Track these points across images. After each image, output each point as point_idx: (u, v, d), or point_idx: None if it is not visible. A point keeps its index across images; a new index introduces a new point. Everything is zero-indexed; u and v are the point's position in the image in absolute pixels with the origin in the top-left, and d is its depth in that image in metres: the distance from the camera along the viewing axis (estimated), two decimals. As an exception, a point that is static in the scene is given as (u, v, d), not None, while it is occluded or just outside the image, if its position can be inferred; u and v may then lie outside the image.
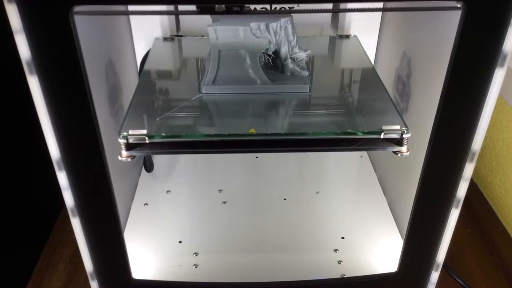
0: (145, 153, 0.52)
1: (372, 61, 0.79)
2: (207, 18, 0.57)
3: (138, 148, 0.50)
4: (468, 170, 0.50)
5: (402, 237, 0.69)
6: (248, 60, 0.58)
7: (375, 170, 0.83)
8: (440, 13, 0.52)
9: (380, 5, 0.53)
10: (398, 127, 0.50)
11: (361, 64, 0.70)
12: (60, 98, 0.43)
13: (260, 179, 0.82)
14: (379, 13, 0.76)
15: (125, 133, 0.49)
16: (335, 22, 0.79)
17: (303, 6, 0.44)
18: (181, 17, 0.77)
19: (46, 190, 0.79)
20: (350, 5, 0.53)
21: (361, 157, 0.87)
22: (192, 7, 0.49)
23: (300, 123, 0.58)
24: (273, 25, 0.57)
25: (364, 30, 0.77)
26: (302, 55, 0.61)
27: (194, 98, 0.59)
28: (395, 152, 0.51)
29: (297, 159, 0.87)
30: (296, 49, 0.61)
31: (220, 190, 0.79)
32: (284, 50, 0.60)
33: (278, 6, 0.66)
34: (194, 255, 0.66)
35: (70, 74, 0.42)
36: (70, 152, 0.47)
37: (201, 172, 0.84)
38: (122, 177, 0.70)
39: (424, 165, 0.50)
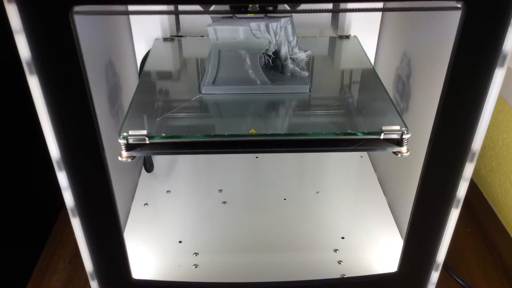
0: (145, 154, 0.52)
1: (372, 62, 0.79)
2: (207, 19, 0.57)
3: (138, 149, 0.50)
4: (468, 170, 0.50)
5: (402, 237, 0.69)
6: (248, 60, 0.58)
7: (375, 170, 0.83)
8: (440, 13, 0.52)
9: (380, 5, 0.53)
10: (398, 127, 0.50)
11: (361, 64, 0.70)
12: (60, 98, 0.43)
13: (260, 179, 0.82)
14: (379, 13, 0.76)
15: (125, 134, 0.49)
16: (335, 22, 0.79)
17: (303, 6, 0.44)
18: (181, 17, 0.77)
19: (46, 190, 0.79)
20: (350, 5, 0.53)
21: (361, 157, 0.87)
22: (192, 7, 0.49)
23: (300, 124, 0.58)
24: (273, 25, 0.57)
25: (364, 30, 0.77)
26: (302, 55, 0.61)
27: (194, 98, 0.59)
28: (395, 153, 0.51)
29: (297, 159, 0.87)
30: (296, 50, 0.61)
31: (220, 190, 0.79)
32: (284, 51, 0.60)
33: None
34: (194, 255, 0.66)
35: (70, 74, 0.42)
36: (70, 152, 0.47)
37: (201, 172, 0.84)
38: (122, 177, 0.70)
39: (424, 165, 0.50)
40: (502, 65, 0.43)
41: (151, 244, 0.68)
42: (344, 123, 0.57)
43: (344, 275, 0.63)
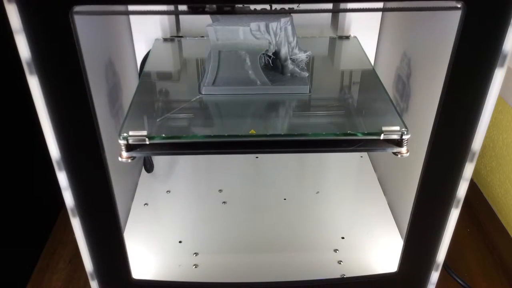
0: (145, 154, 0.52)
1: (372, 62, 0.79)
2: (207, 19, 0.57)
3: (138, 149, 0.50)
4: (468, 170, 0.50)
5: (402, 237, 0.69)
6: (248, 61, 0.58)
7: (375, 170, 0.83)
8: (440, 13, 0.52)
9: (380, 5, 0.53)
10: (397, 128, 0.50)
11: (361, 65, 0.70)
12: (60, 98, 0.43)
13: (260, 179, 0.82)
14: (379, 14, 0.76)
15: (125, 134, 0.49)
16: (335, 22, 0.79)
17: (303, 6, 0.44)
18: (181, 18, 0.77)
19: (46, 190, 0.79)
20: (350, 5, 0.53)
21: (361, 157, 0.87)
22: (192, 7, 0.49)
23: (300, 124, 0.58)
24: (273, 26, 0.57)
25: (364, 30, 0.77)
26: (302, 56, 0.61)
27: (194, 99, 0.59)
28: (395, 153, 0.51)
29: (297, 159, 0.87)
30: (296, 50, 0.61)
31: (220, 190, 0.79)
32: (284, 51, 0.60)
33: (278, 7, 0.66)
34: (194, 255, 0.66)
35: (70, 74, 0.42)
36: (70, 152, 0.47)
37: (201, 172, 0.84)
38: (122, 177, 0.70)
39: (424, 165, 0.50)
40: (502, 65, 0.43)
41: (151, 244, 0.68)
42: (344, 124, 0.57)
43: (344, 275, 0.63)
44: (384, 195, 0.77)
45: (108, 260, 0.57)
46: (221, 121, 0.58)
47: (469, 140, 0.48)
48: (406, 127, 0.50)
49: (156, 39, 0.76)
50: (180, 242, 0.68)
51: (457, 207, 0.53)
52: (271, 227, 0.71)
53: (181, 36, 0.78)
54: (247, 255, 0.67)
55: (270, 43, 0.58)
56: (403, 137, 0.50)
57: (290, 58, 0.61)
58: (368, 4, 0.49)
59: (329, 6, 0.56)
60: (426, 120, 0.51)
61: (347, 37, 0.78)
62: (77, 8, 0.39)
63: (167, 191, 0.79)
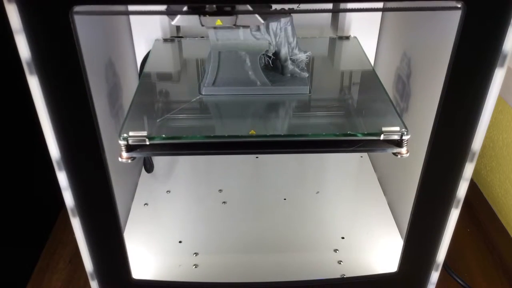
0: (146, 155, 0.52)
1: (372, 62, 0.79)
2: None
3: (138, 150, 0.50)
4: (468, 170, 0.50)
5: (402, 237, 0.69)
6: (248, 61, 0.58)
7: (375, 170, 0.83)
8: (440, 13, 0.52)
9: (380, 5, 0.53)
10: (397, 128, 0.50)
11: (361, 65, 0.70)
12: (60, 98, 0.43)
13: (260, 179, 0.82)
14: (379, 14, 0.76)
15: (125, 135, 0.49)
16: (335, 23, 0.79)
17: (303, 7, 0.44)
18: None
19: (46, 190, 0.79)
20: (350, 5, 0.53)
21: (361, 157, 0.87)
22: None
23: (300, 125, 0.58)
24: (273, 26, 0.57)
25: (364, 31, 0.77)
26: (302, 56, 0.61)
27: (194, 99, 0.59)
28: (395, 154, 0.51)
29: (297, 159, 0.87)
30: (296, 51, 0.61)
31: (220, 190, 0.79)
32: (284, 52, 0.60)
33: (278, 7, 0.66)
34: (194, 255, 0.66)
35: (70, 74, 0.42)
36: (70, 152, 0.47)
37: (201, 172, 0.84)
38: (122, 177, 0.70)
39: (424, 165, 0.50)
40: (502, 65, 0.43)
41: (151, 244, 0.68)
42: (344, 124, 0.57)
43: (344, 275, 0.63)
44: (384, 195, 0.77)
45: (108, 260, 0.57)
46: (221, 122, 0.59)
47: (469, 140, 0.48)
48: (406, 128, 0.50)
49: (156, 40, 0.76)
50: (180, 242, 0.68)
51: (457, 207, 0.53)
52: (271, 227, 0.71)
53: (181, 37, 0.78)
54: (247, 255, 0.67)
55: (270, 43, 0.58)
56: (403, 137, 0.50)
57: (290, 59, 0.61)
58: (368, 4, 0.49)
59: (329, 6, 0.56)
60: (426, 120, 0.51)
61: (347, 38, 0.78)
62: (77, 8, 0.39)
63: (167, 191, 0.79)
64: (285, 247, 0.68)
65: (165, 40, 0.77)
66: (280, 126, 0.57)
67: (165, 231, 0.70)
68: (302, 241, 0.69)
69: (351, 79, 0.69)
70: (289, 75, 0.62)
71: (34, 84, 0.42)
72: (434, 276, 0.60)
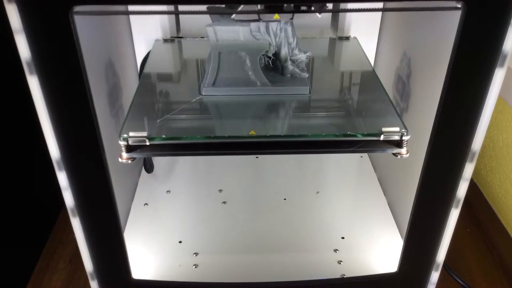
0: (146, 155, 0.52)
1: (372, 62, 0.79)
2: (207, 20, 0.57)
3: (138, 150, 0.50)
4: (468, 170, 0.50)
5: (402, 237, 0.69)
6: (248, 62, 0.58)
7: (375, 170, 0.83)
8: (440, 13, 0.52)
9: (380, 5, 0.53)
10: (397, 129, 0.50)
11: (360, 65, 0.70)
12: (60, 98, 0.43)
13: (260, 179, 0.82)
14: (379, 14, 0.76)
15: (125, 135, 0.49)
16: (335, 23, 0.79)
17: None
18: (181, 18, 0.77)
19: (46, 190, 0.79)
20: (350, 5, 0.53)
21: (361, 157, 0.87)
22: (192, 7, 0.49)
23: (300, 125, 0.58)
24: (273, 27, 0.57)
25: (364, 31, 0.77)
26: (302, 57, 0.61)
27: (194, 100, 0.59)
28: (394, 154, 0.51)
29: (297, 159, 0.87)
30: (296, 51, 0.61)
31: (220, 190, 0.79)
32: (284, 52, 0.60)
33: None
34: (194, 255, 0.66)
35: (70, 74, 0.42)
36: (70, 152, 0.47)
37: (201, 172, 0.84)
38: (122, 177, 0.70)
39: (424, 165, 0.50)
40: (502, 65, 0.43)
41: (151, 244, 0.68)
42: (344, 125, 0.57)
43: (344, 275, 0.63)
44: (384, 195, 0.77)
45: (108, 260, 0.57)
46: (221, 122, 0.59)
47: (469, 140, 0.48)
48: (406, 128, 0.50)
49: (156, 40, 0.76)
50: (180, 242, 0.68)
51: (457, 207, 0.53)
52: (271, 227, 0.71)
53: (181, 37, 0.78)
54: (247, 255, 0.67)
55: (270, 44, 0.58)
56: (403, 138, 0.50)
57: (290, 59, 0.61)
58: (368, 4, 0.49)
59: (329, 6, 0.56)
60: (426, 120, 0.51)
61: (347, 38, 0.78)
62: (77, 8, 0.39)
63: (167, 191, 0.79)
64: (285, 247, 0.68)
65: (165, 40, 0.77)
66: (280, 126, 0.57)
67: (165, 231, 0.70)
68: (302, 241, 0.69)
69: (351, 79, 0.69)
70: (289, 75, 0.62)
71: (34, 84, 0.42)
72: (434, 276, 0.60)
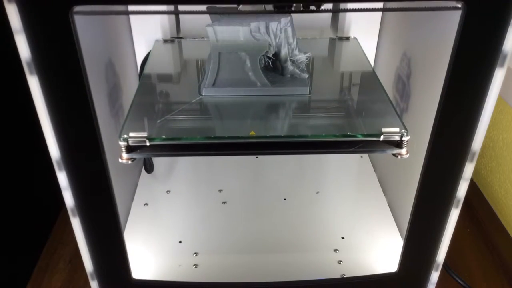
0: (146, 156, 0.52)
1: (372, 62, 0.79)
2: (207, 20, 0.57)
3: (138, 151, 0.50)
4: (468, 170, 0.50)
5: (402, 237, 0.69)
6: (248, 62, 0.58)
7: (375, 170, 0.83)
8: (440, 13, 0.52)
9: (380, 5, 0.53)
10: (397, 129, 0.50)
11: (360, 66, 0.70)
12: (60, 98, 0.43)
13: (260, 179, 0.82)
14: (379, 14, 0.76)
15: (125, 136, 0.49)
16: (335, 24, 0.79)
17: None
18: (181, 19, 0.77)
19: (46, 190, 0.79)
20: (350, 5, 0.53)
21: (361, 157, 0.87)
22: (192, 7, 0.49)
23: (300, 125, 0.58)
24: (273, 27, 0.57)
25: (364, 31, 0.77)
26: (302, 57, 0.61)
27: (194, 100, 0.59)
28: (394, 155, 0.51)
29: (297, 159, 0.87)
30: (296, 52, 0.61)
31: (220, 190, 0.79)
32: (284, 53, 0.60)
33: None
34: (194, 255, 0.66)
35: (70, 74, 0.42)
36: (70, 152, 0.47)
37: (201, 172, 0.84)
38: (122, 177, 0.70)
39: (424, 165, 0.50)
40: (502, 65, 0.43)
41: (151, 244, 0.68)
42: (344, 125, 0.57)
43: (344, 275, 0.63)
44: (384, 195, 0.77)
45: (108, 260, 0.57)
46: (221, 123, 0.59)
47: (469, 140, 0.48)
48: (406, 129, 0.50)
49: (156, 40, 0.76)
50: (180, 242, 0.68)
51: (457, 207, 0.53)
52: (271, 227, 0.71)
53: (181, 37, 0.78)
54: (247, 255, 0.67)
55: (270, 44, 0.58)
56: (403, 138, 0.50)
57: (290, 59, 0.61)
58: (368, 4, 0.49)
59: (329, 6, 0.56)
60: (426, 120, 0.51)
61: (347, 38, 0.78)
62: (77, 8, 0.39)
63: (167, 191, 0.79)
64: (285, 247, 0.68)
65: (165, 41, 0.77)
66: (280, 127, 0.57)
67: (165, 231, 0.70)
68: (302, 241, 0.69)
69: (351, 80, 0.69)
70: (289, 76, 0.62)
71: (34, 84, 0.42)
72: (434, 276, 0.60)
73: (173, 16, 0.76)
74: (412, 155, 0.51)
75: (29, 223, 0.77)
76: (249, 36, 0.56)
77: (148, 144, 0.49)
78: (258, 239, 0.69)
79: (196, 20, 0.76)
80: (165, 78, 0.69)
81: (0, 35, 0.54)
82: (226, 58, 0.58)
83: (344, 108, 0.61)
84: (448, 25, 0.47)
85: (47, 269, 0.75)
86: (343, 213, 0.74)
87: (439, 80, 0.46)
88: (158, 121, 0.54)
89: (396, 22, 0.71)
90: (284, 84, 0.61)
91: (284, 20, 0.57)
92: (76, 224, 0.52)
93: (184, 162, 0.86)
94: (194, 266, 0.65)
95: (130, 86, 0.70)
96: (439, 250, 0.58)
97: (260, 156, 0.87)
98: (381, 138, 0.50)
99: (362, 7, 0.48)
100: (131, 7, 0.67)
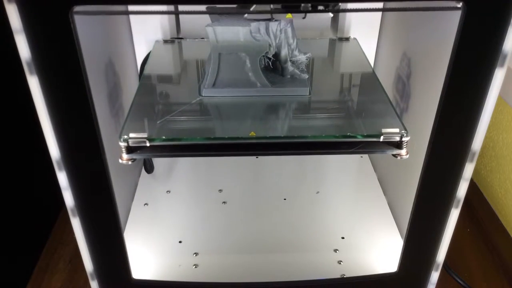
0: (146, 156, 0.52)
1: (372, 62, 0.79)
2: (207, 20, 0.57)
3: (138, 151, 0.50)
4: (468, 170, 0.50)
5: (402, 237, 0.69)
6: (248, 63, 0.58)
7: (375, 170, 0.83)
8: (440, 13, 0.52)
9: (380, 5, 0.53)
10: (397, 130, 0.50)
11: (360, 67, 0.70)
12: (60, 98, 0.43)
13: (260, 179, 0.82)
14: (379, 15, 0.76)
15: (125, 136, 0.49)
16: (335, 24, 0.79)
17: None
18: (181, 19, 0.77)
19: (46, 190, 0.79)
20: (350, 5, 0.53)
21: (361, 157, 0.87)
22: (192, 8, 0.49)
23: (300, 126, 0.58)
24: (273, 27, 0.57)
25: (364, 32, 0.77)
26: (302, 58, 0.61)
27: (194, 101, 0.59)
28: (394, 155, 0.51)
29: (297, 159, 0.87)
30: (296, 52, 0.61)
31: (220, 190, 0.79)
32: (284, 53, 0.60)
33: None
34: (194, 255, 0.66)
35: (70, 74, 0.42)
36: (70, 152, 0.47)
37: (201, 172, 0.84)
38: (122, 177, 0.70)
39: (424, 165, 0.50)
40: (502, 65, 0.43)
41: (151, 244, 0.68)
42: (344, 126, 0.57)
43: (344, 275, 0.63)
44: (384, 195, 0.77)
45: (108, 260, 0.57)
46: (221, 123, 0.59)
47: (469, 140, 0.48)
48: (405, 129, 0.50)
49: (156, 41, 0.76)
50: (180, 242, 0.68)
51: (457, 207, 0.53)
52: (271, 227, 0.71)
53: (181, 38, 0.78)
54: (247, 255, 0.67)
55: (270, 45, 0.58)
56: (403, 139, 0.50)
57: (290, 60, 0.61)
58: (368, 4, 0.49)
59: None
60: (426, 120, 0.51)
61: (347, 39, 0.78)
62: (77, 8, 0.39)
63: (167, 191, 0.79)
64: (285, 247, 0.68)
65: (165, 41, 0.77)
66: (280, 127, 0.57)
67: (165, 231, 0.70)
68: (302, 241, 0.69)
69: (351, 80, 0.69)
70: (289, 76, 0.62)
71: (34, 84, 0.42)
72: (434, 276, 0.60)
73: (173, 17, 0.76)
74: (412, 155, 0.51)
75: (29, 223, 0.77)
76: (249, 37, 0.56)
77: (148, 144, 0.49)
78: (258, 239, 0.69)
79: (196, 20, 0.76)
80: (165, 78, 0.69)
81: (0, 35, 0.54)
82: (226, 59, 0.58)
83: (344, 108, 0.61)
84: (448, 25, 0.47)
85: (47, 269, 0.75)
86: (343, 213, 0.74)
87: (439, 80, 0.46)
88: (158, 122, 0.54)
89: (396, 23, 0.71)
90: (284, 85, 0.61)
91: (284, 20, 0.57)
92: (76, 224, 0.52)
93: (184, 162, 0.86)
94: (194, 266, 0.65)
95: (130, 86, 0.70)
96: (439, 250, 0.58)
97: (260, 157, 0.87)
98: (381, 138, 0.50)
99: (362, 7, 0.48)
100: (131, 7, 0.67)
